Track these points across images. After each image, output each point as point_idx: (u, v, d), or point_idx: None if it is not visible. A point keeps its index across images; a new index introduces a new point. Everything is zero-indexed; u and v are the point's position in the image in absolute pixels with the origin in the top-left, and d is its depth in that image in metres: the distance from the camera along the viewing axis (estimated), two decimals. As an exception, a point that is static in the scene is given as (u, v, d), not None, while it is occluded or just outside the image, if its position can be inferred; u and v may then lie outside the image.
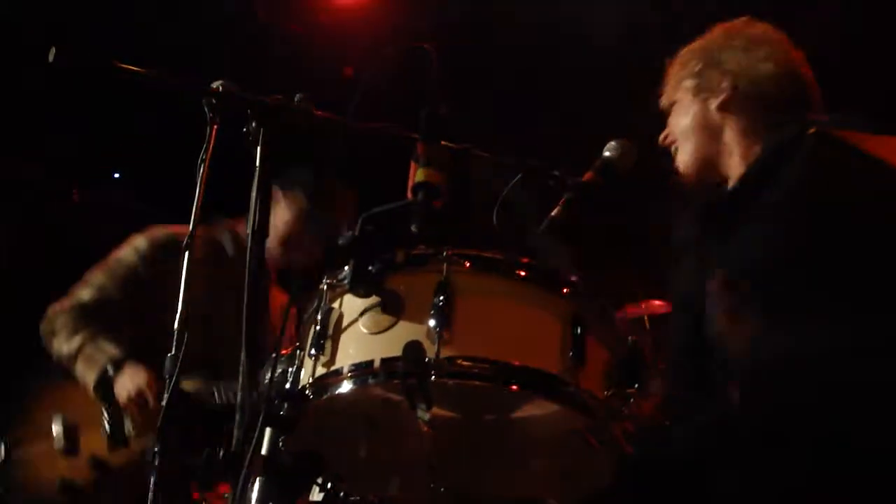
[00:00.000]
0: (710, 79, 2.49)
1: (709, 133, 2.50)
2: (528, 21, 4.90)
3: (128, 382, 3.22)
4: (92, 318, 3.42)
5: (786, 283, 2.12)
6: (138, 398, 3.20)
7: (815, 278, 2.11)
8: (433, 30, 4.60)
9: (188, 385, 3.27)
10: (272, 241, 3.43)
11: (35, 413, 3.37)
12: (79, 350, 3.34)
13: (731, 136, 2.47)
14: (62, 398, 3.37)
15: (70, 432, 3.29)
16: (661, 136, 2.61)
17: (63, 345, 3.39)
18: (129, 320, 3.44)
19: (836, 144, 2.23)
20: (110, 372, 3.25)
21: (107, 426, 3.28)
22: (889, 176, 2.18)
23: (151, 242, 3.52)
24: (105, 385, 3.29)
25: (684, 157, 2.53)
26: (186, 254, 2.34)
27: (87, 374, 3.30)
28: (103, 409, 3.30)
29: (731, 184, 2.46)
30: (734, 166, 2.46)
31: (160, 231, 3.55)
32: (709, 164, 2.50)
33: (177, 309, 3.21)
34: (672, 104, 2.60)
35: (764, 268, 2.19)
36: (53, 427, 3.32)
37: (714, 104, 2.48)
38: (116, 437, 3.26)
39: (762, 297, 2.17)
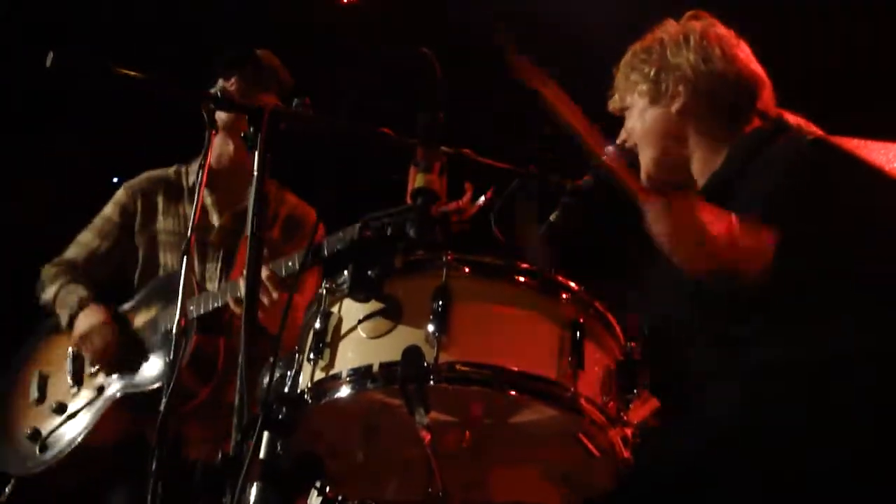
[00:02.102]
0: (666, 84, 2.48)
1: (673, 138, 2.50)
2: (527, 22, 4.89)
3: (81, 324, 3.32)
4: (72, 269, 3.54)
5: (789, 287, 2.12)
6: (84, 341, 3.29)
7: (819, 282, 2.11)
8: (431, 32, 4.60)
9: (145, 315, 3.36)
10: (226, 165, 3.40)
11: (21, 370, 3.52)
12: (55, 295, 3.47)
13: (695, 139, 2.49)
14: (45, 352, 3.51)
15: (41, 382, 3.41)
16: (619, 139, 2.60)
17: (45, 293, 3.52)
18: (119, 264, 3.55)
19: (836, 152, 2.23)
20: (72, 311, 3.37)
21: (69, 368, 3.37)
22: (886, 182, 2.18)
23: (126, 188, 3.61)
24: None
25: (646, 161, 2.54)
26: (184, 257, 2.35)
27: (63, 317, 3.43)
28: (69, 352, 3.40)
29: (699, 183, 2.47)
30: (699, 167, 2.48)
31: (137, 178, 3.63)
32: (675, 166, 2.51)
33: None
34: (625, 108, 2.60)
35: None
36: (31, 380, 3.45)
37: (674, 109, 2.48)
38: (75, 378, 3.36)
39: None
